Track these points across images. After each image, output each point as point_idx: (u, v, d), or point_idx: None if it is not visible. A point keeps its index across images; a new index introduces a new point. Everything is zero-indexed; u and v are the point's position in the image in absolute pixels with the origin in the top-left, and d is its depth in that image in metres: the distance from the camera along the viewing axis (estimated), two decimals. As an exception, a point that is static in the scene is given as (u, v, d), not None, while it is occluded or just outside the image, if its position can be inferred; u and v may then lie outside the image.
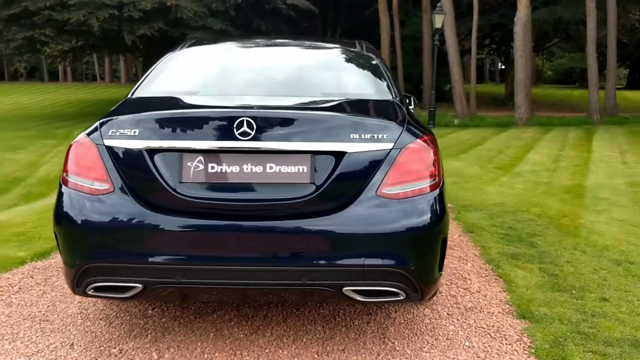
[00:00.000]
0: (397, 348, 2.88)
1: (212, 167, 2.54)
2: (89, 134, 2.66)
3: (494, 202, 6.53)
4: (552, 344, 2.93)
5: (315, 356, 2.79)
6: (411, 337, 2.99)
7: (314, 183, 2.52)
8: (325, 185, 2.51)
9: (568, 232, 5.22)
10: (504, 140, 13.71)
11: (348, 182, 2.53)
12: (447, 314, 3.31)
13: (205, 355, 2.77)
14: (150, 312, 3.26)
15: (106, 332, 3.02)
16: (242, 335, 2.97)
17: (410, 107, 3.76)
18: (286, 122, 2.57)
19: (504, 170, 9.10)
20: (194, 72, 3.36)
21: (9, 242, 4.67)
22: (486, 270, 4.10)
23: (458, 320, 3.22)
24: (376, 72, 3.36)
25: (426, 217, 2.60)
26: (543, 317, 3.27)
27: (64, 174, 2.66)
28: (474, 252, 4.52)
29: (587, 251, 4.64)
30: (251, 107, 2.61)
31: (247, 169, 2.54)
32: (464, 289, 3.72)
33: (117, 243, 2.53)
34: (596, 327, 3.16)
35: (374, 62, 3.45)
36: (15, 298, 3.44)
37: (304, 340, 2.94)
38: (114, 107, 2.89)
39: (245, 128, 2.49)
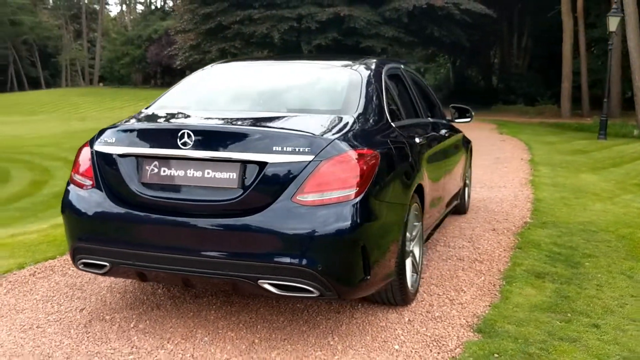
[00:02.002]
0: (331, 343, 3.15)
1: (164, 171, 3.06)
2: (90, 141, 3.34)
3: (583, 219, 6.20)
4: (478, 358, 2.97)
5: (255, 341, 3.17)
6: (354, 336, 3.23)
7: (241, 188, 2.92)
8: (249, 190, 2.90)
9: (635, 257, 4.87)
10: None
11: (268, 188, 2.89)
12: (409, 320, 3.46)
13: (171, 329, 3.30)
14: (159, 291, 3.88)
15: (115, 302, 3.70)
16: (211, 317, 3.45)
17: (402, 122, 3.90)
18: (220, 134, 3.02)
19: None
20: (195, 90, 3.93)
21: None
22: (494, 285, 4.10)
23: (413, 327, 3.36)
24: (352, 89, 3.61)
25: (339, 224, 2.86)
26: (500, 333, 3.28)
27: (72, 172, 3.37)
28: (499, 268, 4.48)
29: (635, 278, 4.34)
30: (192, 122, 3.10)
31: (190, 173, 3.02)
32: (450, 300, 3.80)
33: (92, 229, 3.18)
34: (549, 350, 3.10)
35: (355, 80, 3.69)
36: (71, 269, 4.28)
37: (258, 327, 3.34)
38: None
39: (185, 139, 2.97)
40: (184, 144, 2.98)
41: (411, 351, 3.06)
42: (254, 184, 2.91)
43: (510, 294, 3.93)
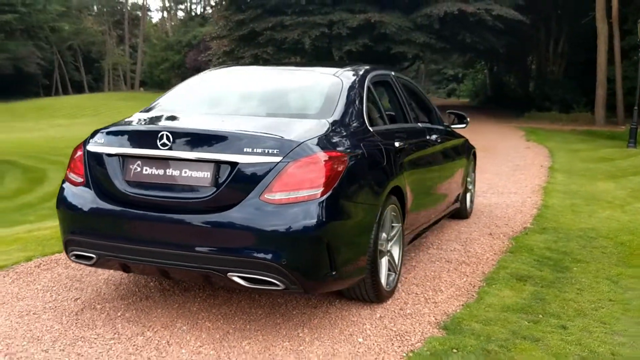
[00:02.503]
0: (300, 335, 3.33)
1: (146, 170, 3.30)
2: (84, 141, 3.60)
3: (586, 226, 6.22)
4: (435, 352, 3.11)
5: (230, 331, 3.37)
6: (323, 329, 3.40)
7: (215, 186, 3.14)
8: (221, 189, 3.11)
9: (627, 263, 4.91)
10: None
11: (238, 187, 3.10)
12: (381, 316, 3.62)
13: (154, 319, 3.53)
14: (151, 284, 4.12)
15: (108, 293, 3.95)
16: (194, 309, 3.67)
17: (382, 127, 4.07)
18: (196, 136, 3.25)
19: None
20: (186, 94, 4.17)
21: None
22: (473, 286, 4.21)
23: (382, 322, 3.52)
24: (331, 95, 3.78)
25: (303, 222, 3.04)
26: (465, 331, 3.41)
27: (67, 171, 3.64)
28: (484, 270, 4.59)
29: (620, 283, 4.40)
30: (170, 125, 3.33)
31: (169, 172, 3.25)
32: (426, 299, 3.94)
33: (82, 223, 3.43)
34: (509, 347, 3.22)
35: (335, 86, 3.86)
36: (74, 264, 4.56)
37: (235, 318, 3.54)
38: None
39: (164, 140, 3.20)
40: (163, 144, 3.21)
41: (374, 344, 3.22)
42: (226, 182, 3.11)
43: (486, 294, 4.04)
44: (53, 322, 3.48)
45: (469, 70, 55.84)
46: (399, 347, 3.20)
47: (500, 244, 5.40)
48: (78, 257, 3.50)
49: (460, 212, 6.25)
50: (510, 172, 10.34)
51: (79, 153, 3.57)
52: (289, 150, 3.11)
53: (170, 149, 3.21)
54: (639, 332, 3.55)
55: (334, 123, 3.52)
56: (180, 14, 76.34)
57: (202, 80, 4.35)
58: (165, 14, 79.61)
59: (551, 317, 3.71)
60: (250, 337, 3.31)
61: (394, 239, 3.97)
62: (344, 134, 3.53)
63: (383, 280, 3.76)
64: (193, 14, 68.93)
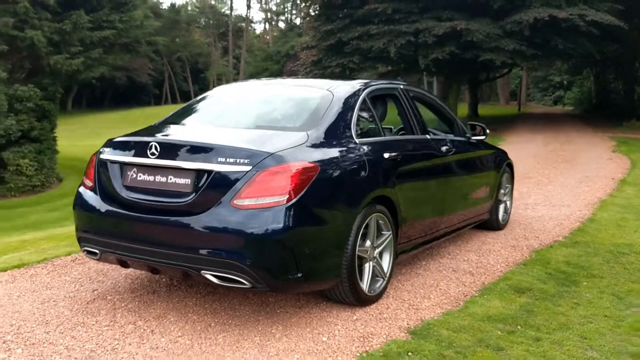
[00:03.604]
0: (273, 331, 3.59)
1: (140, 176, 3.70)
2: (99, 150, 4.07)
3: (623, 242, 6.02)
4: (389, 354, 3.26)
5: (212, 324, 3.70)
6: (296, 327, 3.64)
7: (195, 192, 3.48)
8: (198, 194, 3.45)
9: (647, 280, 4.77)
10: None
11: (213, 193, 3.43)
12: (357, 318, 3.80)
13: (151, 310, 3.92)
14: (163, 280, 4.53)
15: (122, 287, 4.40)
16: (190, 303, 4.03)
17: (374, 139, 4.25)
18: (179, 147, 3.63)
19: None
20: (190, 109, 4.57)
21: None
22: (465, 296, 4.29)
23: (354, 324, 3.70)
24: (319, 108, 4.03)
25: (268, 226, 3.32)
26: (430, 336, 3.53)
27: (84, 176, 4.12)
28: (485, 281, 4.63)
29: (625, 300, 4.32)
30: (159, 136, 3.72)
31: (157, 178, 3.64)
32: (410, 305, 4.07)
33: (90, 222, 3.90)
34: (465, 354, 3.32)
35: (325, 100, 4.11)
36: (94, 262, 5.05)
37: (222, 313, 3.86)
38: None
39: (153, 150, 3.59)
40: (152, 154, 3.61)
41: (335, 344, 3.42)
42: (202, 188, 3.45)
43: (472, 304, 4.11)
44: (65, 309, 3.96)
45: (575, 77, 53.34)
46: (358, 347, 3.38)
47: (518, 256, 5.37)
48: (88, 252, 3.96)
49: (489, 224, 6.24)
50: (576, 184, 9.99)
51: (93, 160, 4.04)
52: (259, 160, 3.40)
53: (158, 157, 3.59)
54: (617, 348, 3.52)
55: (314, 135, 3.77)
56: (282, 24, 78.64)
57: (211, 95, 4.75)
58: (267, 25, 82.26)
59: (529, 329, 3.73)
60: (228, 330, 3.62)
61: (382, 246, 4.13)
62: (322, 145, 3.76)
63: (364, 285, 3.94)
64: (292, 24, 70.82)
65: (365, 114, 4.36)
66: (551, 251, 5.57)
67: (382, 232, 4.13)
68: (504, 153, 6.57)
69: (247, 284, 3.39)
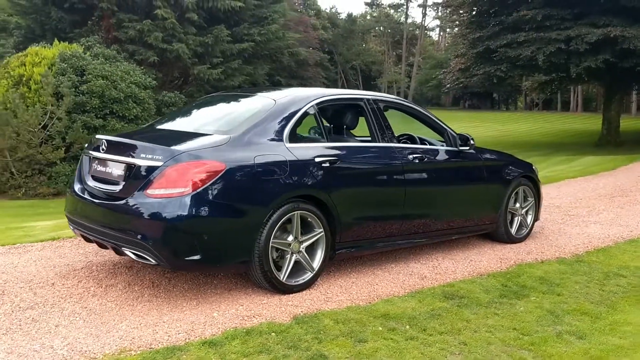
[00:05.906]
0: (182, 304, 4.20)
1: (98, 167, 4.55)
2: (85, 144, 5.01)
3: (635, 264, 5.62)
4: (252, 332, 3.70)
5: (145, 295, 4.40)
6: (202, 304, 4.21)
7: (124, 181, 4.23)
8: (125, 184, 4.20)
9: (612, 304, 4.55)
10: None
11: (134, 183, 4.15)
12: (250, 303, 4.26)
13: (132, 295, 4.73)
14: (167, 274, 5.32)
15: (124, 273, 5.27)
16: (162, 282, 4.78)
17: (309, 144, 4.66)
18: (118, 144, 4.41)
19: None
20: (173, 114, 5.31)
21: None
22: (388, 295, 4.53)
23: (249, 307, 4.17)
24: (254, 115, 4.56)
25: (168, 213, 3.97)
26: (308, 323, 3.86)
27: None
28: (428, 285, 4.78)
29: (560, 318, 4.22)
30: (108, 136, 4.52)
31: (106, 170, 4.45)
32: (326, 297, 4.42)
33: (69, 204, 4.82)
34: (321, 339, 3.64)
35: (264, 108, 4.63)
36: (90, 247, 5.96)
37: (167, 290, 4.55)
38: None
39: (103, 146, 4.42)
40: (102, 149, 4.44)
41: (222, 320, 3.93)
42: (128, 179, 4.18)
43: (385, 303, 4.33)
44: (61, 287, 4.75)
45: None
46: (236, 324, 3.86)
47: (493, 268, 5.36)
48: (73, 229, 4.89)
49: (497, 236, 6.21)
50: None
51: (84, 155, 4.98)
52: (170, 157, 4.05)
53: (105, 152, 4.41)
54: (483, 357, 3.57)
55: (235, 138, 4.30)
56: (457, 30, 77.51)
57: (191, 103, 5.50)
58: (441, 32, 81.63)
59: (414, 329, 3.88)
60: (151, 302, 4.30)
61: (311, 242, 4.53)
62: (239, 146, 4.27)
63: (282, 274, 4.38)
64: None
65: (317, 121, 4.81)
66: (536, 266, 5.45)
67: (313, 229, 4.53)
68: (524, 165, 6.45)
69: (153, 262, 4.05)
